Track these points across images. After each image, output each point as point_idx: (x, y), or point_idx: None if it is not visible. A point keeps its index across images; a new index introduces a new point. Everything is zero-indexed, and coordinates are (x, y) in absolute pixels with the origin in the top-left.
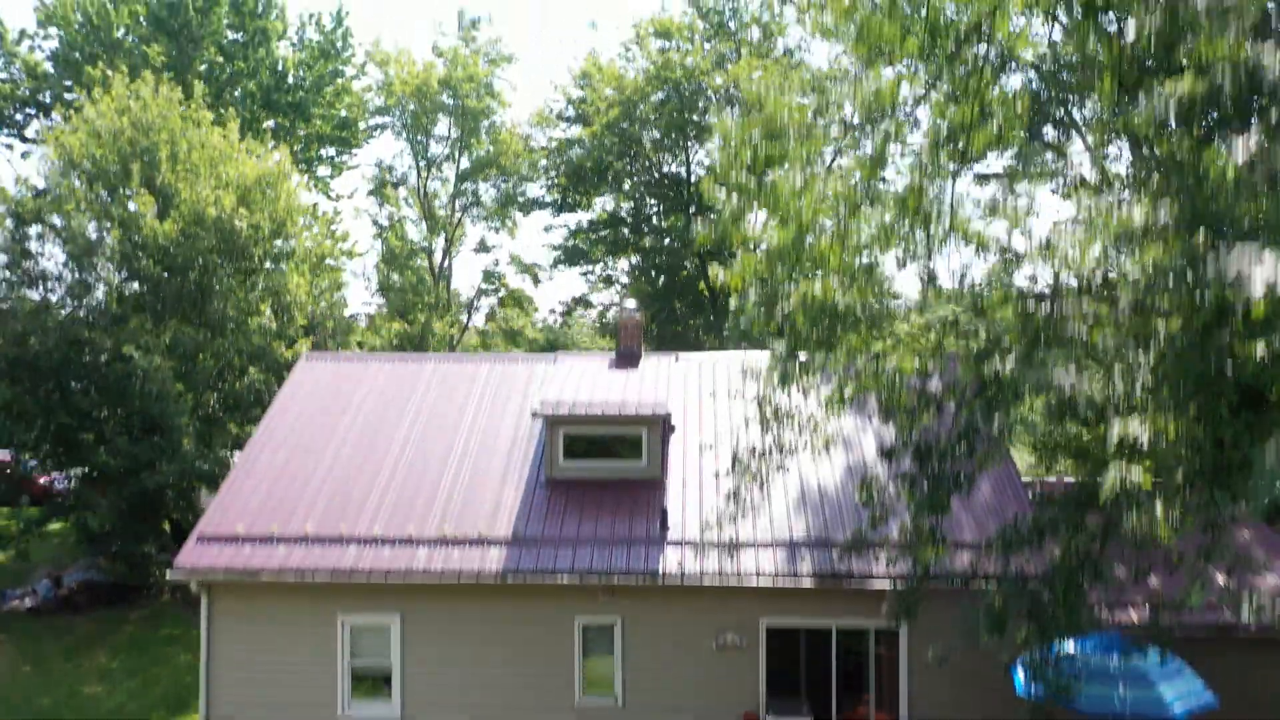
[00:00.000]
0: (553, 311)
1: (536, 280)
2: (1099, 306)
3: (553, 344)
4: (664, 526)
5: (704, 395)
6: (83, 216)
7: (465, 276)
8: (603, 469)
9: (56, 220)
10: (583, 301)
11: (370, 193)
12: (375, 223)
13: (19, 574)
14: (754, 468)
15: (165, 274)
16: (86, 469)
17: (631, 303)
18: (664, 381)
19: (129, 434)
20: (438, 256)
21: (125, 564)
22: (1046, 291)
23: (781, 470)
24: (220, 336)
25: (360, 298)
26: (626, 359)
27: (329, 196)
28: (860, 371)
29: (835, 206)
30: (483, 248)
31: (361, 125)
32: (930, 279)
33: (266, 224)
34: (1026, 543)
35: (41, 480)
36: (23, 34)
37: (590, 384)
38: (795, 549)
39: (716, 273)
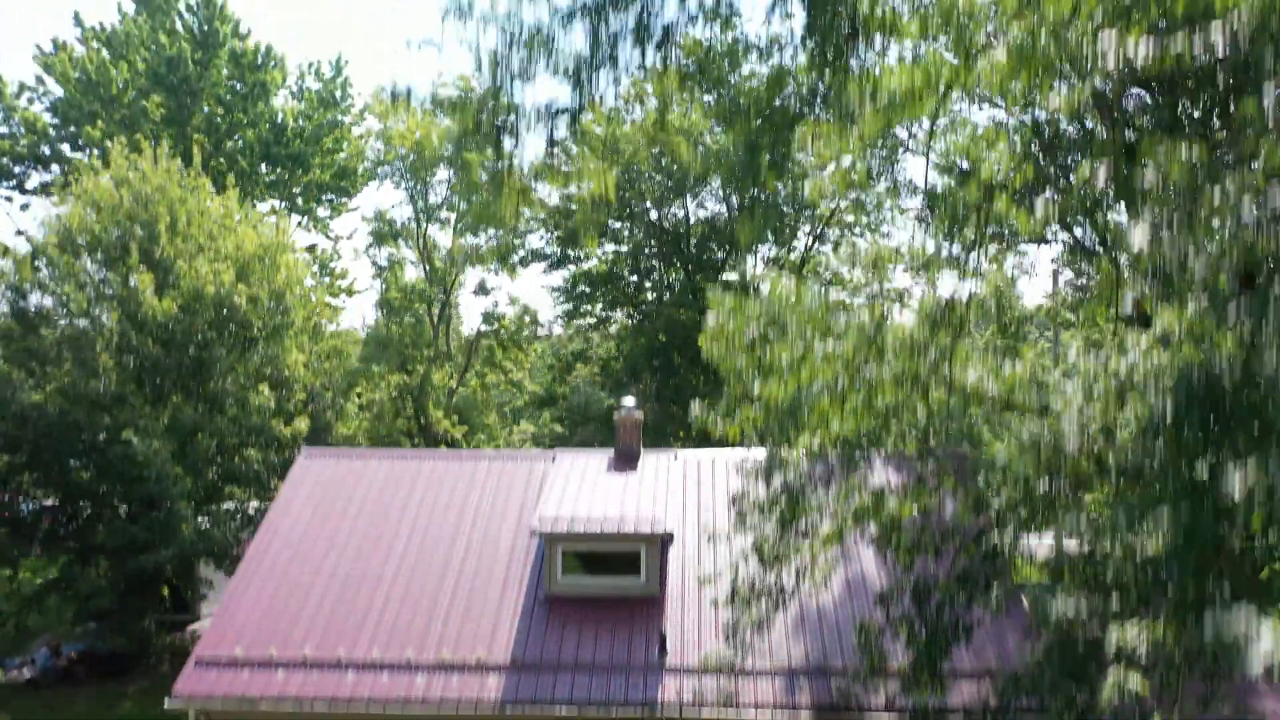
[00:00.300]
0: (553, 357)
1: (537, 325)
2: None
3: (551, 397)
4: (662, 652)
5: (703, 499)
6: (81, 296)
7: (466, 316)
8: (601, 586)
9: (52, 301)
10: (581, 357)
11: (370, 235)
12: (374, 263)
13: (17, 638)
14: (753, 607)
15: (163, 351)
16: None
17: (630, 400)
18: (663, 485)
19: (128, 511)
20: (438, 307)
21: (124, 636)
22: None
23: (781, 608)
24: (219, 413)
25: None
26: (625, 459)
27: (328, 236)
28: (859, 507)
29: (834, 374)
30: (482, 290)
31: (360, 168)
32: (927, 453)
33: (265, 296)
34: (1028, 692)
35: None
36: (22, 87)
37: (589, 491)
38: (794, 677)
39: (716, 425)
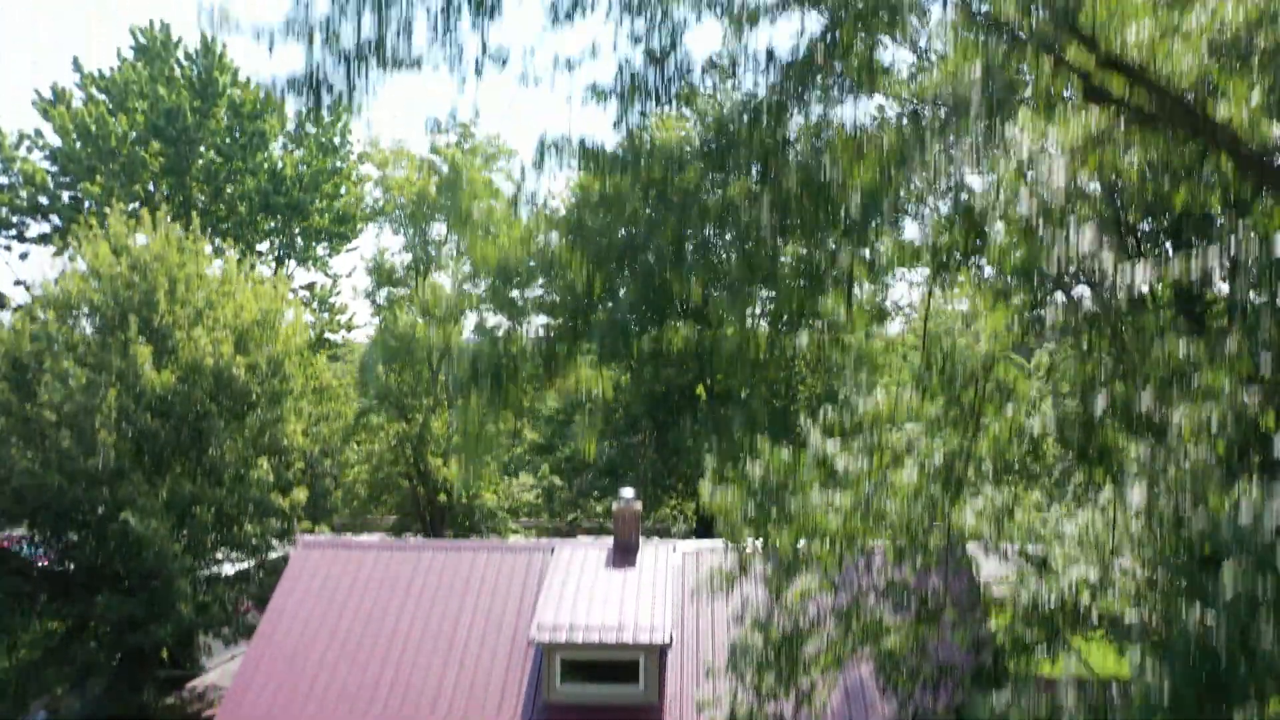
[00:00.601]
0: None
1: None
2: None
3: (550, 444)
4: None
5: (702, 604)
6: (81, 372)
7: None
8: (600, 694)
9: (50, 373)
10: (579, 406)
11: (369, 275)
12: (374, 303)
13: (16, 701)
14: None
15: (162, 422)
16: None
17: (629, 491)
18: (663, 582)
19: (127, 584)
20: (438, 355)
21: (122, 704)
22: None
23: None
24: (218, 486)
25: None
26: (624, 552)
27: (326, 274)
28: (858, 633)
29: (835, 529)
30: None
31: (359, 214)
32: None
33: (264, 363)
34: None
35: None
36: (21, 137)
37: (588, 590)
38: None
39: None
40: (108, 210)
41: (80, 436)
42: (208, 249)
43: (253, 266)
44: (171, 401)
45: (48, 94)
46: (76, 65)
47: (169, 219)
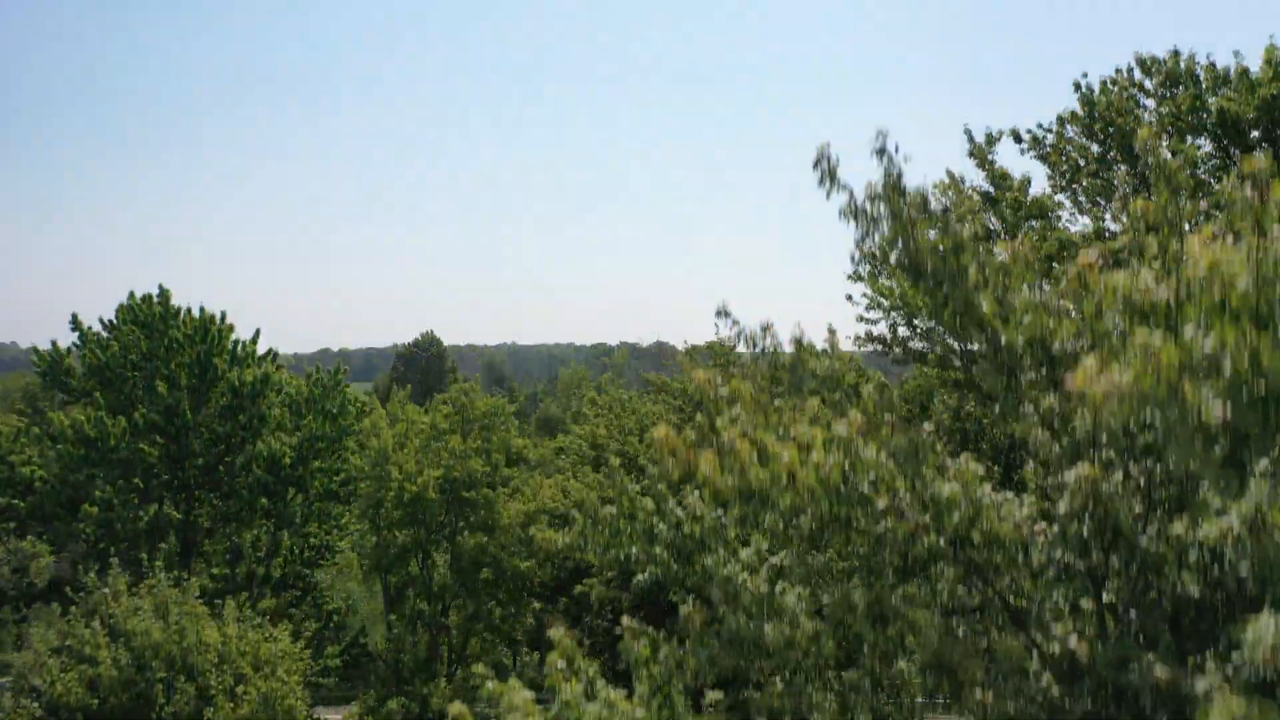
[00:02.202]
0: None
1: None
2: None
3: None
4: None
5: None
6: None
7: None
8: None
9: None
10: None
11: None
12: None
13: None
14: None
15: None
16: None
17: None
18: None
19: None
20: None
21: None
22: None
23: None
24: None
25: None
26: None
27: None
28: None
29: None
30: None
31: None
32: None
33: None
34: None
35: None
36: (19, 432)
37: None
38: None
39: None
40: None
41: None
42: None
43: (258, 625)
44: None
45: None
46: (75, 323)
47: (168, 578)
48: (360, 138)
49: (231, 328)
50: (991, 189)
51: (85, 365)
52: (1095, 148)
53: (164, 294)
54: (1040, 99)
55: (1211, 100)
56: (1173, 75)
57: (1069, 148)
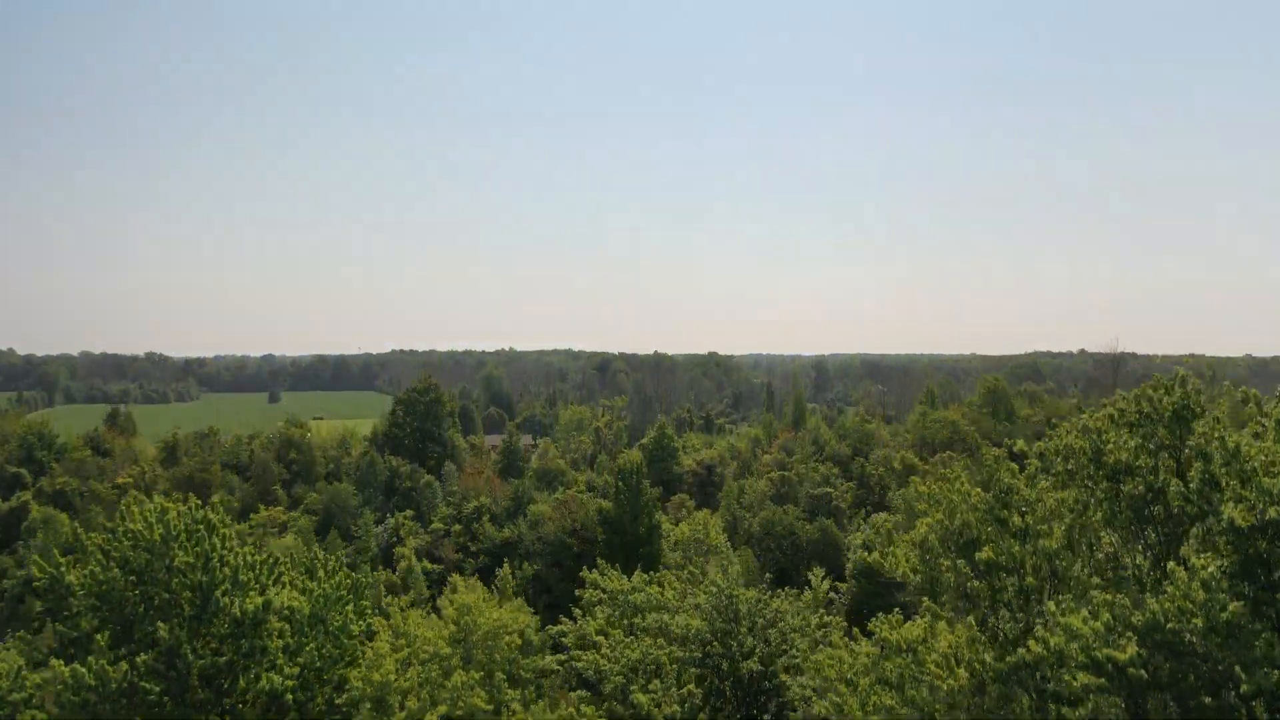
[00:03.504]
0: None
1: None
2: None
3: None
4: None
5: None
6: None
7: None
8: None
9: None
10: None
11: None
12: None
13: None
14: None
15: None
16: None
17: None
18: None
19: None
20: None
21: None
22: None
23: None
24: None
25: None
26: None
27: None
28: None
29: None
30: None
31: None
32: None
33: None
34: None
35: None
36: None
37: None
38: None
39: None
40: None
41: None
42: None
43: None
44: None
45: None
46: (76, 541)
47: None
48: (360, 139)
49: (228, 523)
50: None
51: (84, 587)
52: None
53: (164, 519)
54: None
55: None
56: None
57: None
